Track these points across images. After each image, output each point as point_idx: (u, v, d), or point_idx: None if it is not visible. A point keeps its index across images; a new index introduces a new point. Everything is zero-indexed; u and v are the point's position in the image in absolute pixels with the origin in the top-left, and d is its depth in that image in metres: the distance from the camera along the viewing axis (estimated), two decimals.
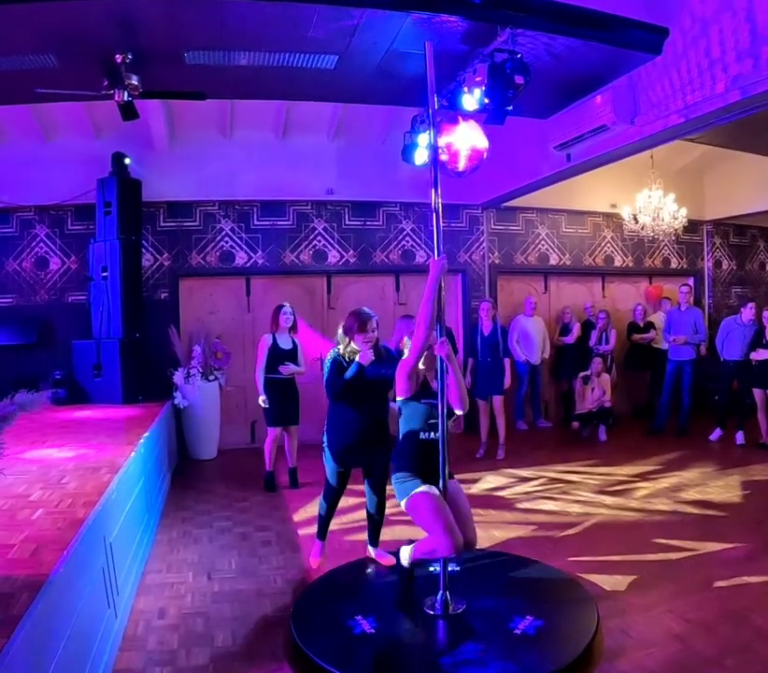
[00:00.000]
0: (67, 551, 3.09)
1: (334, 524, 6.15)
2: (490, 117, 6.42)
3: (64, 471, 4.77)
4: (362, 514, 6.15)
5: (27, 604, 2.51)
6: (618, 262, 11.55)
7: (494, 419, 8.79)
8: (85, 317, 8.73)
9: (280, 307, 7.50)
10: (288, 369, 7.31)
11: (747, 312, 9.10)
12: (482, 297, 10.22)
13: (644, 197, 9.81)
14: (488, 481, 7.53)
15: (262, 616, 4.33)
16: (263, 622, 4.24)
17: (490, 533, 5.83)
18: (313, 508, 6.57)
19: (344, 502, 6.80)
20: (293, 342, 7.50)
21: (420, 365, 4.18)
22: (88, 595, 3.35)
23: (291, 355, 7.43)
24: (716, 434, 9.24)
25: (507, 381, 8.73)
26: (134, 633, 4.10)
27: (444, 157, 6.34)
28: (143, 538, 5.33)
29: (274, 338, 7.42)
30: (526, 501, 6.80)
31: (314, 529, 5.60)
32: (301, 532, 6.01)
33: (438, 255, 4.19)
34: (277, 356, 7.35)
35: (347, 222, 10.11)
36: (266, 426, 7.59)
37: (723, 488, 6.98)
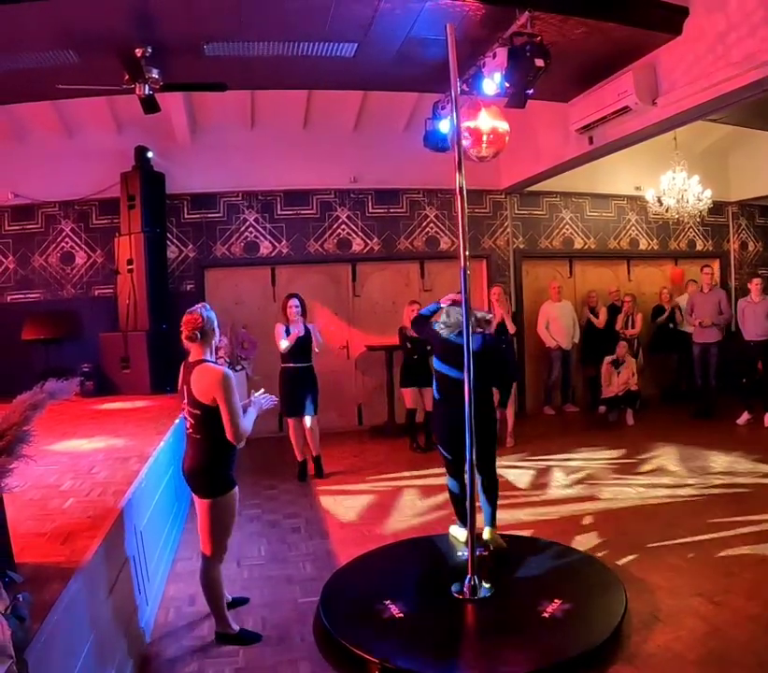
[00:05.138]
0: (98, 540, 3.14)
1: (361, 510, 6.23)
2: (510, 101, 6.39)
3: (94, 461, 4.85)
4: (388, 501, 6.26)
5: (59, 590, 2.56)
6: (643, 245, 11.45)
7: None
8: (112, 310, 8.81)
9: (289, 298, 7.40)
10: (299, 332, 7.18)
11: (754, 289, 9.06)
12: (506, 283, 10.21)
13: (668, 179, 9.69)
14: (515, 466, 7.54)
15: (291, 602, 4.37)
16: (293, 608, 4.28)
17: (517, 517, 5.85)
18: (341, 495, 6.65)
19: (372, 485, 6.89)
20: (306, 329, 7.29)
21: None
22: (119, 583, 3.40)
23: (303, 345, 7.27)
24: (743, 417, 9.15)
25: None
26: (164, 620, 4.17)
27: (466, 142, 6.34)
28: (173, 526, 5.40)
29: (287, 327, 7.29)
30: (553, 485, 6.80)
31: (342, 516, 5.82)
32: (329, 518, 6.05)
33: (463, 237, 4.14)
34: (289, 345, 7.24)
35: (370, 210, 10.11)
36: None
37: (751, 471, 6.92)
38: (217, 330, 3.96)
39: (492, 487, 5.08)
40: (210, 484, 3.86)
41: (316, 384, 7.45)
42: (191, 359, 3.90)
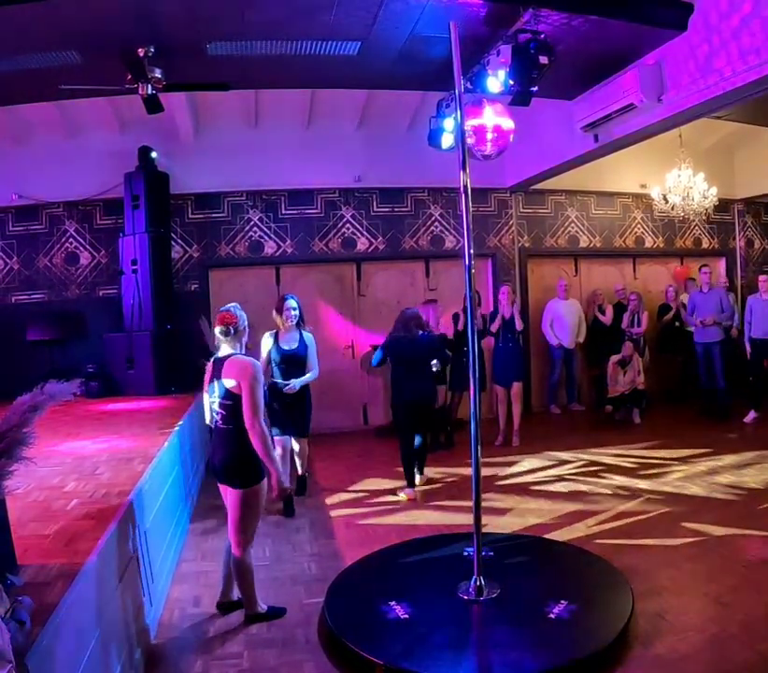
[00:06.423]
0: (101, 541, 3.13)
1: (366, 510, 6.22)
2: (515, 98, 6.37)
3: (97, 462, 4.84)
4: (393, 502, 6.26)
5: (62, 592, 2.54)
6: (648, 243, 11.39)
7: (510, 406, 8.54)
8: (116, 310, 8.78)
9: (284, 299, 6.38)
10: (292, 389, 6.18)
11: (763, 285, 8.99)
12: (512, 282, 10.18)
13: (673, 177, 9.65)
14: (521, 466, 7.50)
15: (296, 603, 4.35)
16: (298, 609, 4.26)
17: (524, 517, 5.82)
18: (346, 495, 6.64)
19: (377, 486, 6.89)
20: (301, 340, 6.32)
21: None
22: (123, 584, 3.39)
23: (295, 359, 6.28)
24: (750, 416, 9.09)
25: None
26: (169, 621, 4.16)
27: (470, 140, 6.32)
28: (177, 527, 5.39)
29: (275, 338, 6.36)
30: (560, 485, 6.76)
31: (346, 516, 5.92)
32: (334, 519, 6.04)
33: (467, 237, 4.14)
34: (279, 360, 6.28)
35: (375, 209, 10.09)
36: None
37: (758, 470, 6.88)
38: (247, 330, 4.23)
39: (422, 448, 6.99)
40: (247, 473, 4.01)
41: (308, 404, 6.48)
42: (221, 354, 4.13)
